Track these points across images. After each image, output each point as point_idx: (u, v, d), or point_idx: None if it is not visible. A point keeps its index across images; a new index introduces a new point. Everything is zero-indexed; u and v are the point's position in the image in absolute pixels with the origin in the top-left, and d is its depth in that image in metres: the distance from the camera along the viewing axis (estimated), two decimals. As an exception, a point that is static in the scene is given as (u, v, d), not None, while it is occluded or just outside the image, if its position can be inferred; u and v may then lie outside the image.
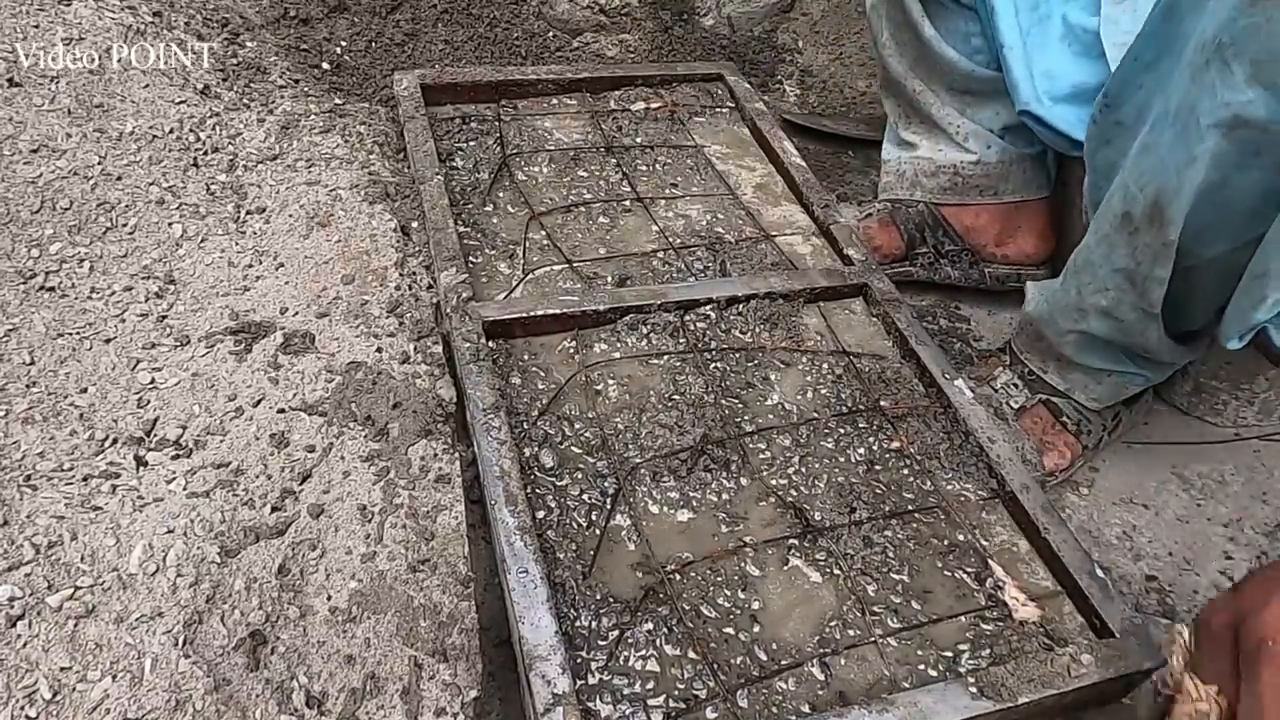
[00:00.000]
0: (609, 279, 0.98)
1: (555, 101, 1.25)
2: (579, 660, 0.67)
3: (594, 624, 0.69)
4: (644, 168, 1.16)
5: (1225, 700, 0.54)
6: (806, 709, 0.67)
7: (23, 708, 0.56)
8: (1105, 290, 0.82)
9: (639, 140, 1.20)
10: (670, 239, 1.05)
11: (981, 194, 1.13)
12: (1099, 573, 0.76)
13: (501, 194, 1.08)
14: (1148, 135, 0.72)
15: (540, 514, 0.76)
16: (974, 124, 1.09)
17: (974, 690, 0.66)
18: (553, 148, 1.16)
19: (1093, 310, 0.85)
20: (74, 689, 0.58)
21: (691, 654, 0.69)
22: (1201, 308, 0.80)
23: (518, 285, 0.96)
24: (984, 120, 1.09)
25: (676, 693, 0.67)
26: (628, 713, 0.65)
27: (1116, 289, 0.81)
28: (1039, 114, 0.96)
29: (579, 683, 0.66)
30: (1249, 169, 0.64)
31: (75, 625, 0.61)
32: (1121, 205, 0.77)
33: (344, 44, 1.33)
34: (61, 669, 0.59)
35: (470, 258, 0.98)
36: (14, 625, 0.60)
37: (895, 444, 0.86)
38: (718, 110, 1.29)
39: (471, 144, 1.15)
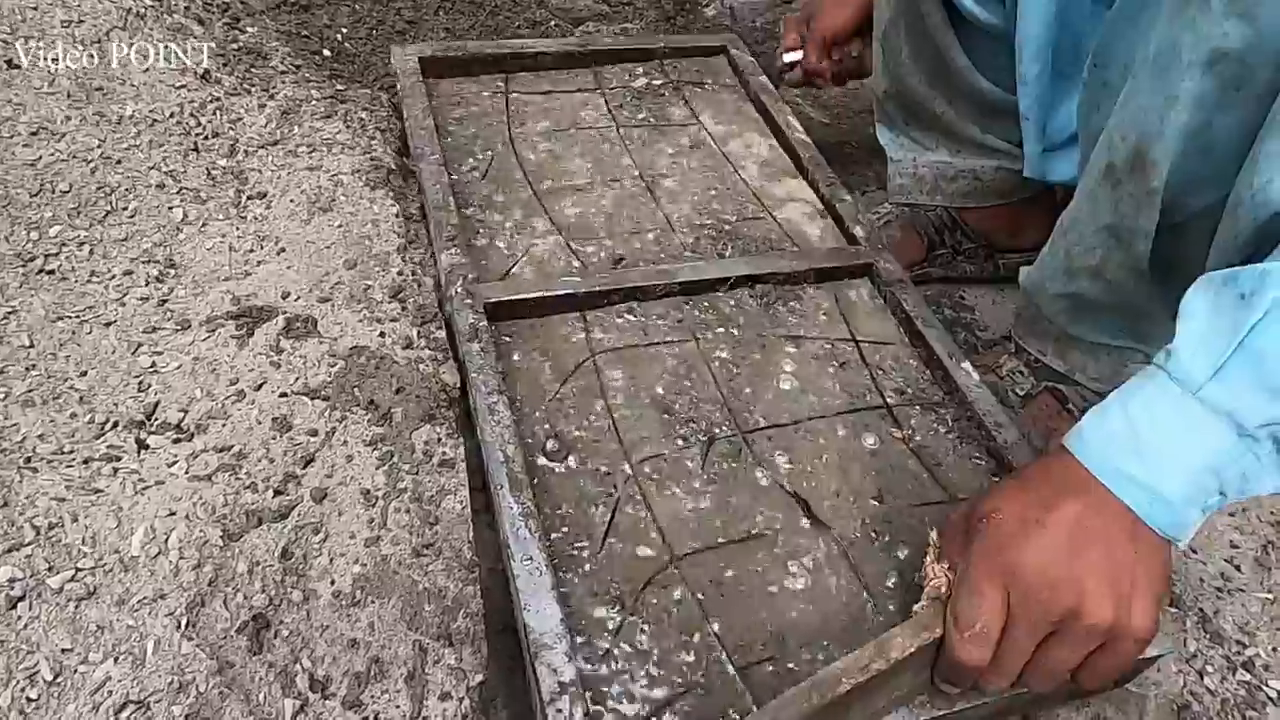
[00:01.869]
0: (611, 258, 0.97)
1: (556, 77, 1.23)
2: (585, 648, 0.66)
3: (600, 611, 0.69)
4: (646, 144, 1.15)
5: (954, 574, 0.63)
6: (814, 694, 0.66)
7: (24, 689, 0.56)
8: (1093, 250, 0.81)
9: (641, 116, 1.19)
10: (673, 217, 1.04)
11: (1000, 197, 1.11)
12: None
13: (502, 172, 1.07)
14: (1130, 85, 0.71)
15: (545, 500, 0.75)
16: (996, 138, 1.07)
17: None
18: (554, 124, 1.15)
19: (1082, 271, 0.83)
20: (75, 671, 0.57)
21: (698, 640, 0.68)
22: (1195, 267, 0.79)
23: (518, 265, 0.95)
24: (1005, 133, 1.07)
25: (682, 679, 0.66)
26: (635, 699, 0.64)
27: (1103, 247, 0.80)
28: (1043, 179, 1.00)
29: (585, 670, 0.65)
30: (1230, 107, 0.64)
31: (76, 607, 0.60)
32: (1105, 158, 0.75)
33: (344, 31, 1.32)
34: (63, 651, 0.58)
35: (471, 237, 0.97)
36: (14, 607, 0.59)
37: (902, 430, 0.86)
38: (721, 84, 1.27)
39: (471, 120, 1.13)
